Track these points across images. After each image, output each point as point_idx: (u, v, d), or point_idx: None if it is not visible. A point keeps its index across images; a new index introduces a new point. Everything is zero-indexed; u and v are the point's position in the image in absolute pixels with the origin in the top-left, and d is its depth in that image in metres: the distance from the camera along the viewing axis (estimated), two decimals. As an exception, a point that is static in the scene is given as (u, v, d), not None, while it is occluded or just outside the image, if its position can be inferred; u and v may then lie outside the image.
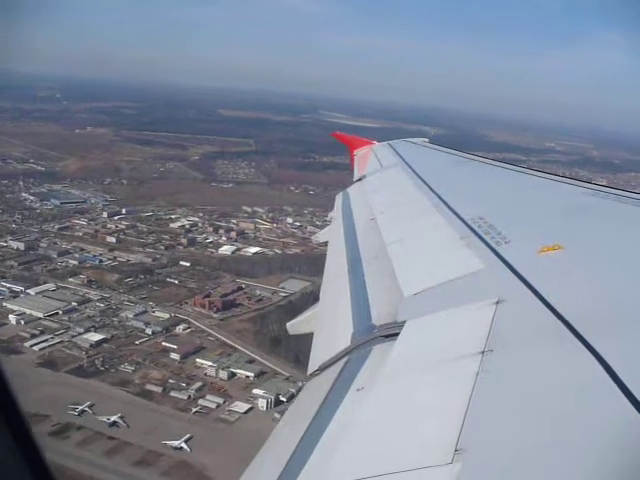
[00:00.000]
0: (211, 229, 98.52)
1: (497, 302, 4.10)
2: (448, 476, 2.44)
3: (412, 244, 6.84)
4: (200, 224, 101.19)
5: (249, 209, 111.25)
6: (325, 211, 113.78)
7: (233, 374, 57.23)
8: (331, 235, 9.60)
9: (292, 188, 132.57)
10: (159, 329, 64.51)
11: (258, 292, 76.84)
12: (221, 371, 56.94)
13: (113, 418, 48.51)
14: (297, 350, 61.31)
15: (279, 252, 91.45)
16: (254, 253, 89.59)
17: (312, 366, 4.76)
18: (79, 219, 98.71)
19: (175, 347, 60.84)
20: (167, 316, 67.93)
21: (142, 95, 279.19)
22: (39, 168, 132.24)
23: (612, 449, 2.35)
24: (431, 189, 9.09)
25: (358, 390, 3.67)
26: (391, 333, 4.30)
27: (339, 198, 12.05)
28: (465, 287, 4.76)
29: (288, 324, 7.12)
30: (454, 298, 4.53)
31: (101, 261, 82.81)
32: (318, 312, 6.32)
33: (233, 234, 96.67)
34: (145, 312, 68.45)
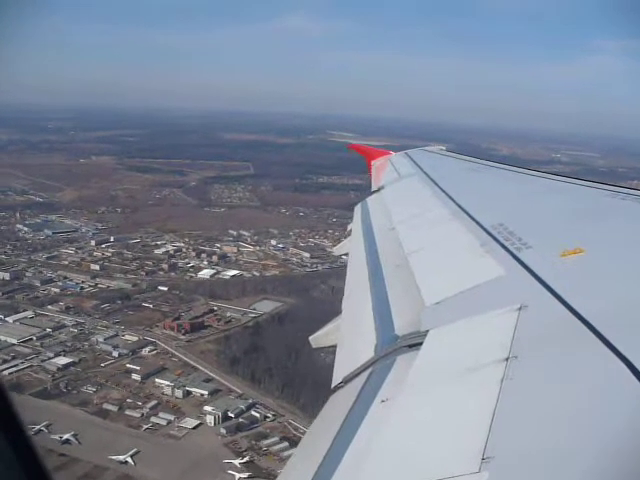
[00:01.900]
0: (194, 254, 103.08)
1: (520, 308, 4.16)
2: None
3: (432, 253, 7.06)
4: (184, 249, 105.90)
5: (235, 232, 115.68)
6: (311, 232, 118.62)
7: (188, 392, 61.19)
8: (351, 246, 9.85)
9: (283, 210, 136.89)
10: (126, 352, 68.88)
11: (229, 314, 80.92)
12: (177, 390, 60.95)
13: (66, 436, 52.69)
14: (253, 368, 65.62)
15: (257, 274, 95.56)
16: (232, 276, 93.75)
17: (336, 379, 4.81)
18: (67, 248, 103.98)
19: (138, 368, 65.11)
20: (136, 339, 72.32)
21: (146, 121, 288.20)
22: (37, 199, 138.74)
23: None
24: (450, 197, 9.31)
25: (383, 401, 3.72)
26: (414, 343, 4.39)
27: (358, 209, 12.29)
28: (487, 294, 4.86)
29: (310, 337, 7.18)
30: (476, 306, 4.62)
31: (82, 288, 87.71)
32: (340, 324, 6.43)
33: (215, 258, 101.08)
34: (116, 336, 72.95)
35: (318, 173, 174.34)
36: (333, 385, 4.74)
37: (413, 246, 7.30)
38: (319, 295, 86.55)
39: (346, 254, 9.76)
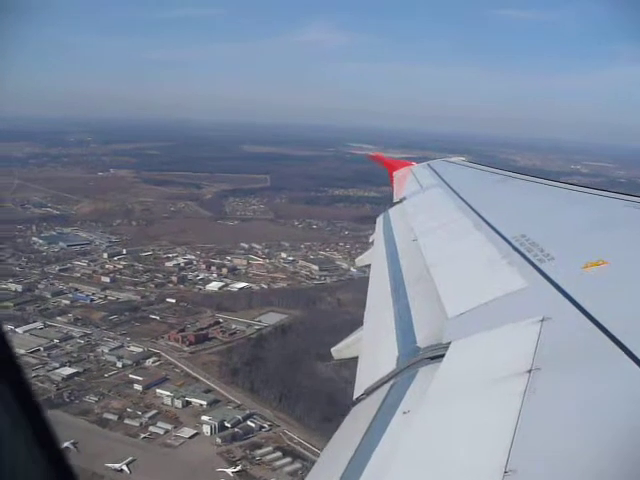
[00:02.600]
0: (204, 266, 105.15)
1: (542, 320, 4.17)
2: None
3: (454, 264, 7.12)
4: (195, 262, 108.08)
5: (246, 245, 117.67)
6: (322, 244, 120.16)
7: (188, 403, 62.75)
8: (373, 258, 9.91)
9: (296, 223, 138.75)
10: (130, 362, 70.83)
11: (234, 326, 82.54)
12: (176, 400, 62.56)
13: (65, 444, 54.50)
14: (253, 380, 67.11)
15: (265, 287, 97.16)
16: (240, 288, 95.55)
17: (358, 390, 4.87)
18: (80, 260, 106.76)
19: (140, 379, 66.95)
20: (140, 350, 74.27)
21: (166, 134, 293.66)
22: (55, 212, 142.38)
23: None
24: (472, 208, 9.34)
25: (404, 413, 3.75)
26: (437, 355, 4.42)
27: (380, 220, 12.36)
28: (509, 306, 4.88)
29: (332, 349, 7.29)
30: (499, 317, 4.63)
31: (92, 300, 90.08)
32: (362, 336, 6.50)
33: (224, 270, 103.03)
34: (121, 347, 75.04)
35: (334, 186, 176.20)
36: (355, 397, 4.83)
37: (435, 258, 7.40)
38: (325, 307, 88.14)
39: (367, 265, 9.91)
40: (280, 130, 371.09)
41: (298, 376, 66.67)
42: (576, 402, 3.10)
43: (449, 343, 4.46)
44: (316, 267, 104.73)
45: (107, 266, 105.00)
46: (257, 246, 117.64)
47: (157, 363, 71.84)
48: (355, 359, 6.07)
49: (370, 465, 3.30)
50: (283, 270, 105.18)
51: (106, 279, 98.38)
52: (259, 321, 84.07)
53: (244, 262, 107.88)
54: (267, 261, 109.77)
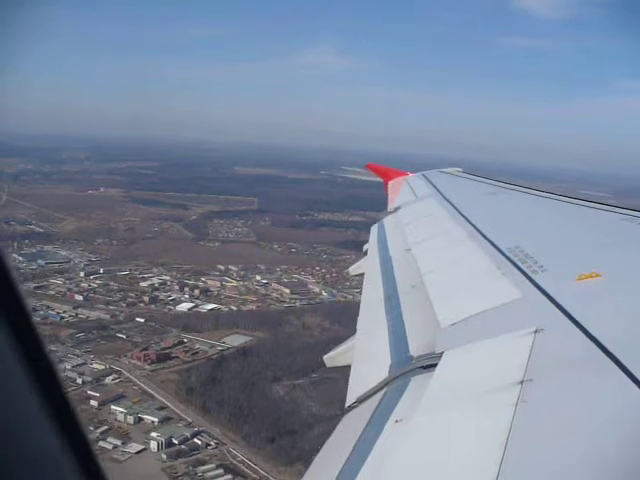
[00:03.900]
0: (177, 287, 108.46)
1: (535, 331, 4.24)
2: None
3: (448, 274, 7.20)
4: (169, 282, 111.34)
5: (223, 267, 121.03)
6: (298, 268, 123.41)
7: (140, 419, 65.73)
8: (367, 266, 10.15)
9: (276, 246, 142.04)
10: (90, 379, 73.95)
11: (197, 346, 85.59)
12: (129, 416, 65.62)
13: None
14: (206, 399, 70.22)
15: (234, 309, 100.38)
16: (209, 310, 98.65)
17: (350, 398, 5.00)
18: (57, 278, 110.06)
19: (97, 395, 69.94)
20: (102, 367, 77.44)
21: (163, 154, 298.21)
22: (38, 230, 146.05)
23: None
24: (466, 219, 9.47)
25: (397, 422, 3.87)
26: (429, 364, 4.56)
27: (374, 229, 12.66)
28: (503, 316, 4.97)
29: (325, 357, 7.37)
30: (492, 328, 4.73)
31: (62, 318, 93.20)
32: (355, 344, 6.57)
33: (197, 292, 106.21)
34: (84, 364, 78.08)
35: (320, 209, 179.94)
36: (347, 405, 4.94)
37: (429, 267, 7.48)
38: (289, 330, 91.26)
39: (361, 274, 10.07)
40: (276, 151, 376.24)
41: (251, 397, 69.76)
42: (568, 414, 3.14)
43: (442, 353, 4.54)
44: (288, 290, 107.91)
45: (82, 284, 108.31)
46: (233, 268, 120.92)
47: (117, 380, 74.87)
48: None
49: (362, 473, 3.42)
50: (255, 293, 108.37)
51: (79, 297, 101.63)
52: (223, 342, 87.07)
53: (218, 284, 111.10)
54: (241, 283, 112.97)
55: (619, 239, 6.93)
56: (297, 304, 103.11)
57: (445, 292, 6.43)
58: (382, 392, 4.64)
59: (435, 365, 4.36)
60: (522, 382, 3.50)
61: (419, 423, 3.57)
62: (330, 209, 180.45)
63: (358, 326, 7.07)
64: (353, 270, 12.15)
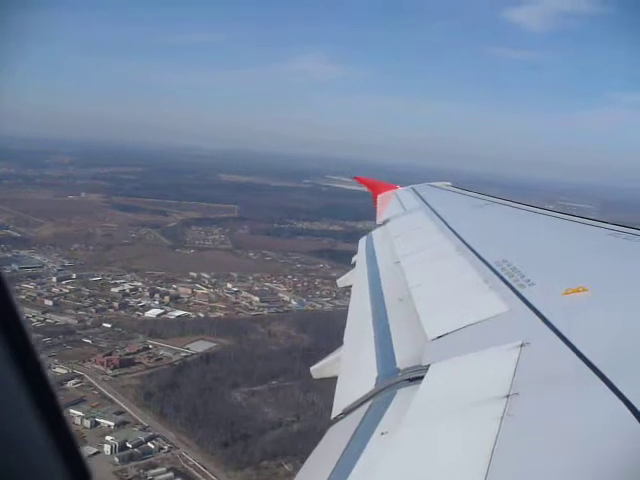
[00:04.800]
0: (148, 294, 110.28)
1: (522, 345, 4.27)
2: None
3: (436, 287, 7.25)
4: (141, 289, 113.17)
5: (195, 274, 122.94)
6: (270, 276, 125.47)
7: (97, 423, 67.51)
8: (355, 279, 10.23)
9: (251, 254, 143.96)
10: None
11: (162, 352, 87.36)
12: (86, 420, 67.38)
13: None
14: (164, 404, 72.13)
15: (202, 316, 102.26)
16: (177, 316, 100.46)
17: (336, 410, 5.05)
18: (29, 283, 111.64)
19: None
20: (65, 372, 79.15)
21: (148, 159, 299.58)
22: (15, 234, 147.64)
23: None
24: (454, 232, 9.56)
25: (382, 434, 3.90)
26: (415, 377, 4.60)
27: (363, 242, 12.67)
28: (489, 330, 5.03)
29: (312, 368, 7.38)
30: (478, 341, 4.77)
31: (30, 322, 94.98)
32: (342, 355, 6.70)
33: (167, 298, 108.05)
34: (47, 368, 79.64)
35: (300, 218, 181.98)
36: (333, 416, 4.96)
37: (417, 280, 7.50)
38: (254, 337, 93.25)
39: (349, 287, 10.31)
40: (265, 159, 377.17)
41: (208, 402, 71.67)
42: (553, 428, 3.18)
43: (428, 365, 4.56)
44: (257, 298, 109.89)
45: (53, 289, 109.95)
46: (206, 275, 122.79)
47: (78, 385, 76.58)
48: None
49: None
50: (224, 300, 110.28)
51: (49, 302, 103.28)
52: (187, 349, 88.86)
53: (189, 291, 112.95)
54: (211, 291, 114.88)
55: (605, 254, 7.04)
56: (265, 312, 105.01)
57: (432, 305, 6.50)
58: (368, 404, 4.70)
59: (421, 378, 4.42)
60: (508, 396, 3.55)
61: (405, 435, 3.62)
62: (309, 218, 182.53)
63: (345, 338, 7.19)
64: (341, 282, 12.30)
